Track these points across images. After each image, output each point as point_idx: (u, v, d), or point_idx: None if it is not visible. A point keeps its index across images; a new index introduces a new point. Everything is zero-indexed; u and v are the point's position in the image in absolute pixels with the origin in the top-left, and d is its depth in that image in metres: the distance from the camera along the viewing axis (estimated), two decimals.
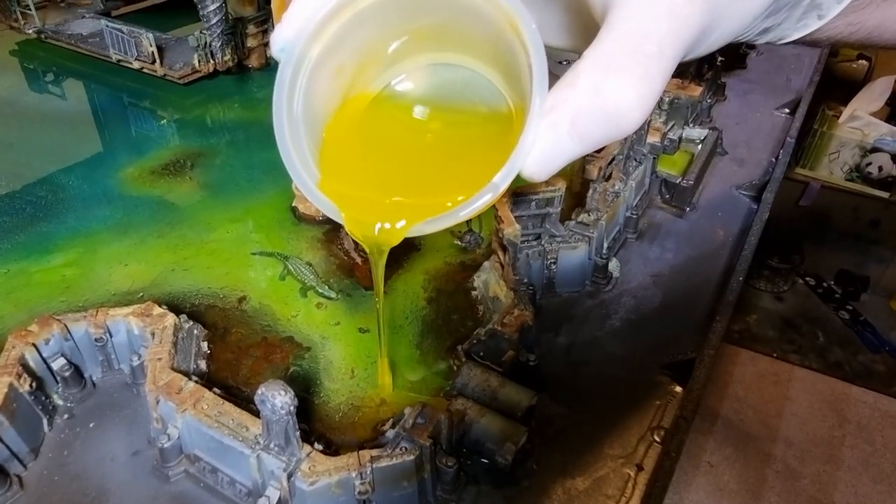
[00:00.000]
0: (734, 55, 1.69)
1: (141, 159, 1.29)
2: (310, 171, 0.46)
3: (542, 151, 0.39)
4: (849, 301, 2.88)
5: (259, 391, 0.61)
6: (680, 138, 1.16)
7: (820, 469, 2.17)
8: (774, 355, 2.66)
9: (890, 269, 2.99)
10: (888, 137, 2.92)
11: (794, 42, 0.45)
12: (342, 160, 0.49)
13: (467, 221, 1.02)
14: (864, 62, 3.26)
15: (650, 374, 0.86)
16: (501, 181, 0.41)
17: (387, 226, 0.47)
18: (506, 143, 0.43)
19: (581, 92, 0.38)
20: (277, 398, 0.60)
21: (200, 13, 1.41)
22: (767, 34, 0.44)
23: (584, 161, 0.98)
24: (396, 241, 0.48)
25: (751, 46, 1.76)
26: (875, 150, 2.93)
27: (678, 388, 0.84)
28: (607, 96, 0.37)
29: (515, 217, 0.90)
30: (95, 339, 0.80)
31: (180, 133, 1.41)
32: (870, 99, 3.14)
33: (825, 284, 2.95)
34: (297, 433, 0.63)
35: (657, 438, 0.77)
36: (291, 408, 0.61)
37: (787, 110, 1.50)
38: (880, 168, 2.93)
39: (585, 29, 0.46)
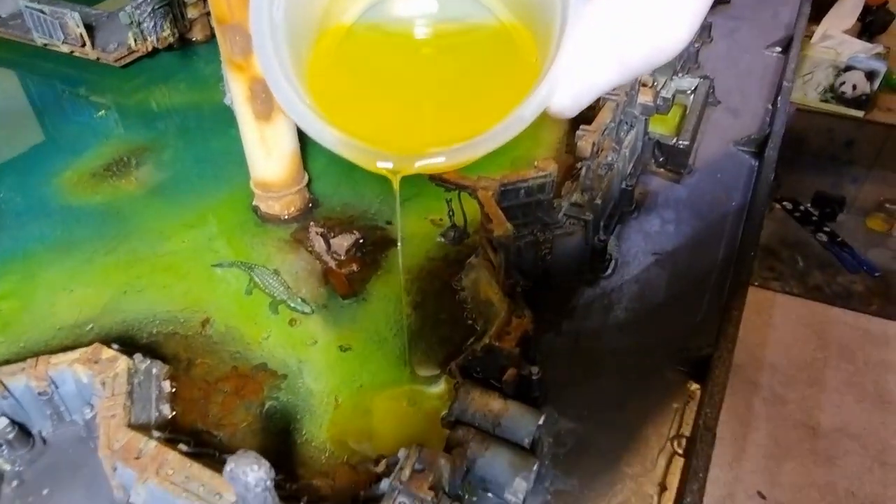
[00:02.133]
0: None
1: (79, 160, 1.15)
2: (297, 93, 0.38)
3: (576, 80, 0.36)
4: (826, 223, 2.86)
5: (228, 468, 0.52)
6: (673, 96, 1.06)
7: (805, 393, 2.18)
8: (756, 284, 2.65)
9: (864, 188, 2.98)
10: (861, 55, 2.85)
11: None
12: (330, 91, 0.42)
13: (450, 216, 0.92)
14: None
15: (663, 372, 0.79)
16: (530, 112, 0.37)
17: (421, 163, 0.40)
18: (516, 72, 0.40)
19: (621, 5, 0.34)
20: (250, 475, 0.51)
21: None
22: None
23: (574, 137, 0.88)
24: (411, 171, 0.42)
25: None
26: (849, 68, 2.86)
27: (695, 387, 0.77)
28: (653, 7, 0.34)
29: (504, 208, 0.81)
30: (39, 393, 0.70)
31: (122, 124, 1.27)
32: (841, 16, 3.04)
33: (802, 208, 2.93)
34: None
35: (679, 450, 0.70)
36: (268, 483, 0.52)
37: (778, 48, 1.39)
38: (854, 87, 2.87)
39: None
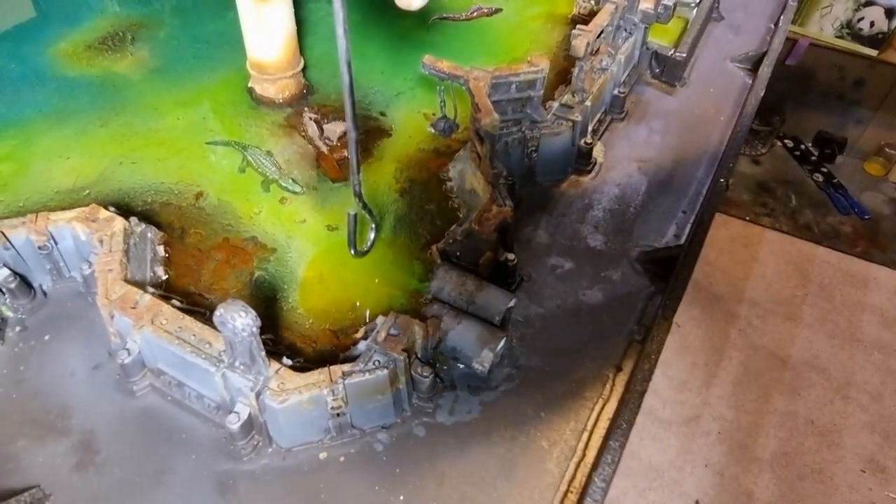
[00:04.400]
0: None
1: (74, 32, 1.14)
2: None
3: None
4: (824, 163, 2.88)
5: (218, 312, 0.56)
6: (675, 4, 1.05)
7: (780, 327, 2.26)
8: (747, 219, 2.69)
9: (868, 131, 2.96)
10: None
11: None
12: None
13: (441, 105, 0.94)
14: None
15: (632, 268, 0.83)
16: None
17: None
18: None
19: None
20: (238, 320, 0.56)
21: None
22: None
23: (570, 36, 0.88)
24: None
25: None
26: (869, 3, 2.78)
27: (660, 283, 0.81)
28: None
29: (493, 102, 0.82)
30: (39, 247, 0.74)
31: None
32: None
33: (803, 147, 2.93)
34: (263, 352, 0.60)
35: (637, 337, 0.75)
36: (254, 329, 0.57)
37: None
38: (872, 24, 2.80)
39: None
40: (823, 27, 2.90)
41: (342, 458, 0.65)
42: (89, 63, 1.08)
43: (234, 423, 0.62)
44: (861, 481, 1.90)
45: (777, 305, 2.34)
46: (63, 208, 0.82)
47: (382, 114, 1.00)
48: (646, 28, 1.04)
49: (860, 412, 2.06)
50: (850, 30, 2.86)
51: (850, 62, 2.88)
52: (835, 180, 2.86)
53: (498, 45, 1.13)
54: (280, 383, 0.61)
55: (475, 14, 1.17)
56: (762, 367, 2.15)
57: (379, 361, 0.63)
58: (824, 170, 2.88)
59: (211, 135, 0.97)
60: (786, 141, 2.99)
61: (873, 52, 2.90)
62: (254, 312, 0.56)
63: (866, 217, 2.74)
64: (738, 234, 2.62)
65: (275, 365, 0.62)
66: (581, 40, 0.86)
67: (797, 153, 2.98)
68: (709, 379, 2.13)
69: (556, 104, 0.89)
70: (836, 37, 2.90)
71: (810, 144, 2.94)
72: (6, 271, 0.73)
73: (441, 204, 0.88)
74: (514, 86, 0.84)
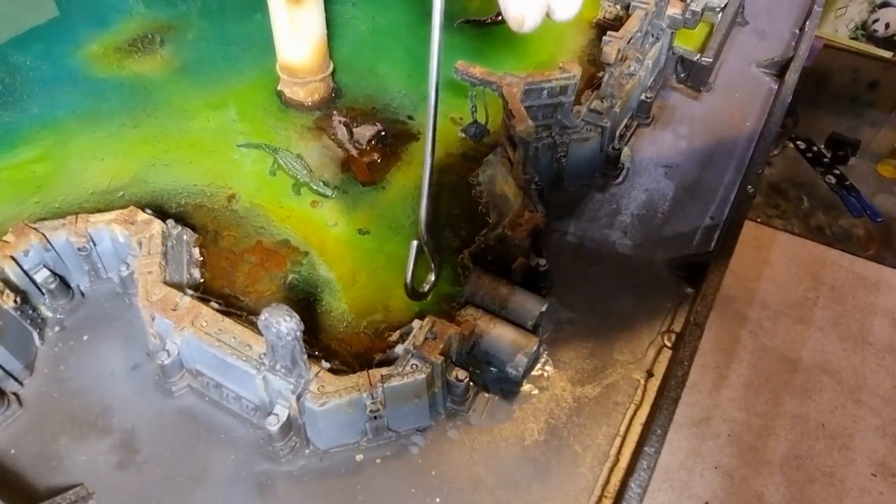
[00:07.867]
0: None
1: (103, 34, 1.15)
2: None
3: None
4: (837, 165, 2.86)
5: (263, 316, 0.57)
6: (703, 10, 1.05)
7: (791, 329, 2.25)
8: (759, 220, 2.68)
9: (882, 133, 2.95)
10: None
11: None
12: None
13: (472, 111, 0.94)
14: None
15: (661, 274, 0.84)
16: None
17: None
18: None
19: None
20: (283, 324, 0.57)
21: None
22: None
23: (599, 41, 0.88)
24: None
25: None
26: (885, 4, 2.77)
27: (689, 289, 0.82)
28: None
29: (526, 108, 0.83)
30: (78, 249, 0.75)
31: (143, 1, 1.26)
32: None
33: (815, 148, 2.92)
34: (305, 356, 0.61)
35: (668, 343, 0.76)
36: (297, 333, 0.58)
37: None
38: (887, 25, 2.79)
39: None
40: (838, 28, 2.89)
41: (378, 461, 0.66)
42: (119, 65, 1.09)
43: (273, 424, 0.63)
44: (872, 485, 1.89)
45: (788, 308, 2.33)
46: (98, 209, 0.84)
47: (410, 117, 1.01)
48: (672, 33, 1.04)
49: (871, 416, 2.05)
50: (864, 31, 2.85)
51: (864, 64, 2.87)
52: (847, 182, 2.85)
53: (522, 49, 1.14)
54: (320, 386, 0.62)
55: (500, 17, 1.18)
56: (773, 370, 2.15)
57: (417, 365, 0.64)
58: (837, 172, 2.87)
59: (241, 137, 0.98)
60: (798, 142, 2.98)
61: (888, 54, 2.89)
62: (297, 317, 0.57)
63: (879, 220, 2.73)
64: (749, 235, 2.61)
65: (315, 368, 0.63)
66: (612, 47, 0.87)
67: (809, 155, 2.96)
68: (719, 381, 2.13)
69: (584, 109, 0.90)
70: (851, 38, 2.89)
71: (823, 146, 2.93)
72: (46, 272, 0.74)
73: (470, 208, 0.89)
74: (545, 91, 0.84)
